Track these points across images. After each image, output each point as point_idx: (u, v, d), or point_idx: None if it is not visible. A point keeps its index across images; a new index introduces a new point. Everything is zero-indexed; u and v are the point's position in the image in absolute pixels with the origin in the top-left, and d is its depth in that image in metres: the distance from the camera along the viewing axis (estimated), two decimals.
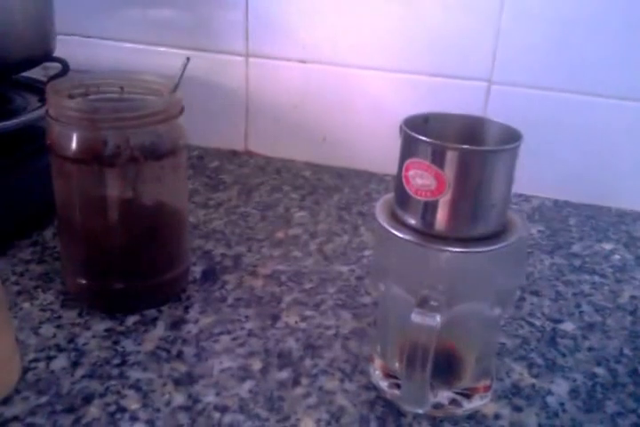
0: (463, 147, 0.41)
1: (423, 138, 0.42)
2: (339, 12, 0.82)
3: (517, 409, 0.50)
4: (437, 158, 0.41)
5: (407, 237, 0.44)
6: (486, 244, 0.43)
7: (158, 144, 0.54)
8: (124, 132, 0.52)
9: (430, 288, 0.44)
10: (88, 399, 0.49)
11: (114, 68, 0.86)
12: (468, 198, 0.42)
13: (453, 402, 0.49)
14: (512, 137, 0.43)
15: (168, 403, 0.49)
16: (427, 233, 0.44)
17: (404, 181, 0.44)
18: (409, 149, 0.43)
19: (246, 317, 0.59)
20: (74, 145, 0.52)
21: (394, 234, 0.44)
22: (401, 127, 0.43)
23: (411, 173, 0.43)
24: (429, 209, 0.43)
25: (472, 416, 0.49)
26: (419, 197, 0.43)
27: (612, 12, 0.73)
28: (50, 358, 0.52)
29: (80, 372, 0.51)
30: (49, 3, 0.73)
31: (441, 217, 0.43)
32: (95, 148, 0.52)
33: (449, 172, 0.41)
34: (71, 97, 0.56)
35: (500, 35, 0.77)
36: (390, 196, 0.47)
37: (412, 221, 0.44)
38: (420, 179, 0.42)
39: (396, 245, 0.45)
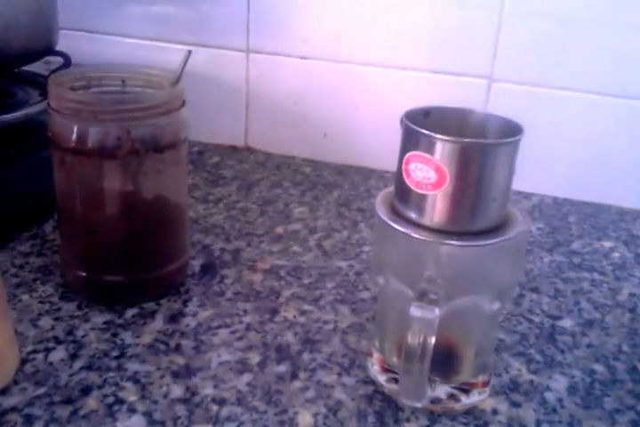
0: (464, 140, 0.41)
1: (424, 131, 0.42)
2: (340, 9, 0.82)
3: (515, 405, 0.50)
4: (438, 151, 0.41)
5: (407, 230, 0.44)
6: (486, 238, 0.43)
7: (159, 137, 0.54)
8: (125, 124, 0.52)
9: (429, 282, 0.43)
10: (86, 391, 0.49)
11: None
12: (468, 192, 0.42)
13: (451, 397, 0.49)
14: (513, 130, 0.43)
15: (166, 395, 0.49)
16: (427, 227, 0.43)
17: (404, 174, 0.44)
18: (410, 142, 0.43)
19: (245, 311, 0.59)
20: (75, 137, 0.52)
21: (394, 228, 0.44)
22: (402, 120, 0.43)
23: (411, 166, 0.43)
24: (429, 202, 0.43)
25: (470, 411, 0.49)
26: (419, 191, 0.43)
27: (613, 9, 0.73)
28: (48, 350, 0.52)
29: (78, 364, 0.51)
30: None
31: (441, 210, 0.43)
32: (96, 140, 0.52)
33: (450, 165, 0.41)
34: (73, 89, 0.56)
35: (500, 32, 0.77)
36: (390, 190, 0.47)
37: (412, 215, 0.44)
38: (421, 172, 0.42)
39: (395, 238, 0.45)
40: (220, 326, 0.56)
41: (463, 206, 0.43)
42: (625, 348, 0.57)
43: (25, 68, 0.75)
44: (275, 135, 0.91)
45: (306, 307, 0.60)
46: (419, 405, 0.46)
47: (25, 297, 0.58)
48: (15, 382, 0.49)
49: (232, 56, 0.88)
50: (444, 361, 0.48)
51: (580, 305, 0.62)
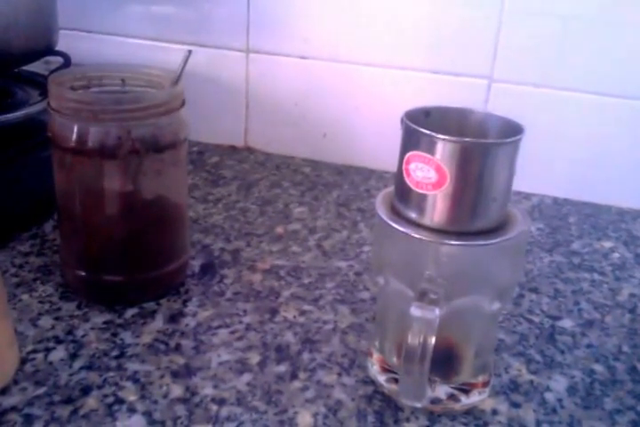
0: (465, 140, 0.41)
1: (425, 130, 0.42)
2: (340, 9, 0.82)
3: (515, 405, 0.50)
4: (439, 151, 0.41)
5: (407, 230, 0.44)
6: (487, 238, 0.43)
7: (159, 137, 0.54)
8: (125, 124, 0.52)
9: (430, 281, 0.43)
10: (86, 391, 0.49)
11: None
12: (468, 192, 0.42)
13: (451, 397, 0.49)
14: (513, 130, 0.43)
15: (166, 395, 0.49)
16: (427, 226, 0.43)
17: (404, 174, 0.44)
18: (410, 141, 0.43)
19: (244, 311, 0.58)
20: (75, 137, 0.52)
21: (394, 227, 0.44)
22: (402, 120, 0.43)
23: (411, 165, 0.43)
24: (430, 202, 0.43)
25: (470, 412, 0.49)
26: (419, 190, 0.43)
27: (613, 9, 0.73)
28: (48, 350, 0.52)
29: (78, 363, 0.51)
30: None
31: (441, 210, 0.43)
32: (96, 140, 0.52)
33: (450, 165, 0.41)
34: (73, 89, 0.56)
35: (500, 32, 0.77)
36: (390, 190, 0.47)
37: (413, 215, 0.44)
38: (421, 172, 0.42)
39: (395, 238, 0.45)
40: (219, 326, 0.56)
41: (463, 206, 0.43)
42: (625, 348, 0.57)
43: (25, 67, 0.75)
44: (274, 135, 0.91)
45: (305, 307, 0.60)
46: (418, 405, 0.46)
47: (25, 297, 0.58)
48: (15, 382, 0.49)
49: (232, 56, 0.88)
50: (444, 361, 0.48)
51: (579, 305, 0.62)
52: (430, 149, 0.42)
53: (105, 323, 0.56)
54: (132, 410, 0.47)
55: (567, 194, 0.83)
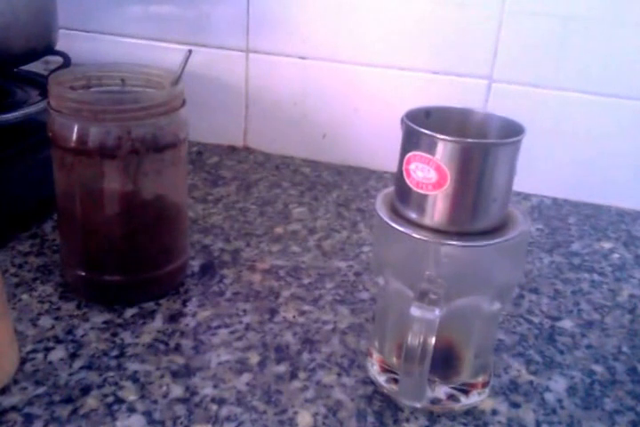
0: (465, 140, 0.41)
1: (425, 131, 0.42)
2: (339, 9, 0.81)
3: (515, 405, 0.50)
4: (439, 151, 0.41)
5: (407, 230, 0.44)
6: (487, 238, 0.43)
7: (159, 136, 0.54)
8: (125, 124, 0.52)
9: (430, 282, 0.43)
10: (86, 391, 0.49)
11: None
12: (469, 192, 0.42)
13: (451, 397, 0.49)
14: (514, 131, 0.43)
15: (165, 395, 0.49)
16: (427, 227, 0.43)
17: (404, 174, 0.43)
18: (410, 141, 0.43)
19: (244, 311, 0.58)
20: (75, 136, 0.52)
21: (394, 228, 0.44)
22: (402, 120, 0.43)
23: (412, 166, 0.43)
24: (430, 202, 0.43)
25: (469, 412, 0.49)
26: (419, 191, 0.43)
27: (613, 9, 0.73)
28: (48, 350, 0.52)
29: (78, 363, 0.51)
30: None
31: (441, 211, 0.43)
32: (96, 139, 0.52)
33: (450, 165, 0.41)
34: (73, 89, 0.56)
35: (500, 32, 0.77)
36: (390, 190, 0.47)
37: (413, 215, 0.44)
38: (422, 172, 0.42)
39: (395, 238, 0.45)
40: (219, 326, 0.56)
41: (464, 207, 0.43)
42: (624, 349, 0.57)
43: (24, 67, 0.75)
44: (274, 135, 0.91)
45: (305, 307, 0.60)
46: (418, 405, 0.47)
47: (25, 296, 0.58)
48: (15, 382, 0.49)
49: (232, 56, 0.88)
50: (444, 362, 0.48)
51: (579, 306, 0.62)
52: (431, 150, 0.42)
53: (105, 323, 0.56)
54: (131, 410, 0.47)
55: (567, 194, 0.83)
